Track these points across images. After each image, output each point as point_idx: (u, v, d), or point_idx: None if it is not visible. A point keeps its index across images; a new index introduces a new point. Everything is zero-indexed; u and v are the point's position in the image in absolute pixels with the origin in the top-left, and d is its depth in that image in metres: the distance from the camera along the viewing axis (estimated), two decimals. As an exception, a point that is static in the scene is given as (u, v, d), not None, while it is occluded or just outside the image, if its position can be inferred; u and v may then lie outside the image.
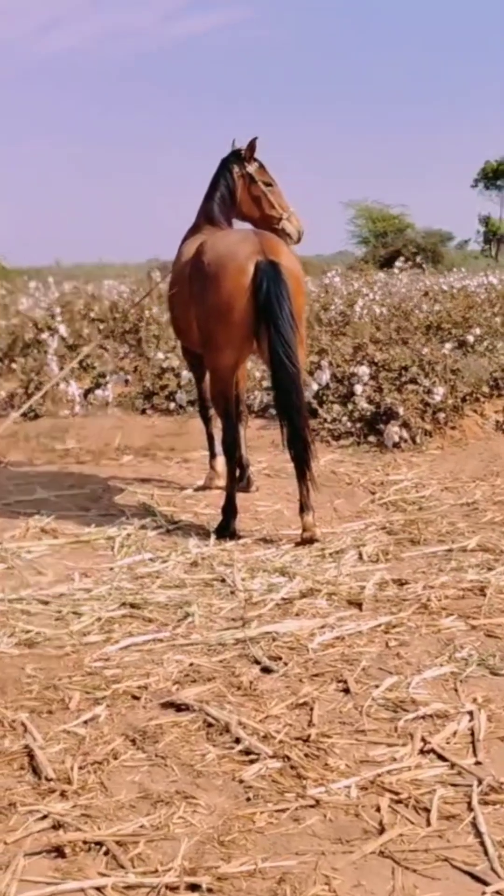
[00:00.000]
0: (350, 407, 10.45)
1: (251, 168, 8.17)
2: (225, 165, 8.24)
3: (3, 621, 5.43)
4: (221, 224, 8.05)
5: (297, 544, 6.79)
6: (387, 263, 34.96)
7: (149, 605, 5.66)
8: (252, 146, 8.16)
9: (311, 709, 4.30)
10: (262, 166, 8.24)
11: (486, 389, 10.97)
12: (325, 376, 10.91)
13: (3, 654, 5.01)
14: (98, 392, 12.20)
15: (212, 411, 8.36)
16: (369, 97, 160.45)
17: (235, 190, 8.18)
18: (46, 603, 5.72)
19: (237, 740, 4.02)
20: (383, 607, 5.53)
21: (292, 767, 3.82)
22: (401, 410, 9.92)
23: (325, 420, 10.33)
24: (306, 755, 3.91)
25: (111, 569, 6.34)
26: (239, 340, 6.90)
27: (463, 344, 13.15)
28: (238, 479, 8.13)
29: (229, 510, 7.08)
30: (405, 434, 9.81)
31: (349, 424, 10.25)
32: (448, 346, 12.56)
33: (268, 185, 8.21)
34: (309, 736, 4.04)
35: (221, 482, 8.22)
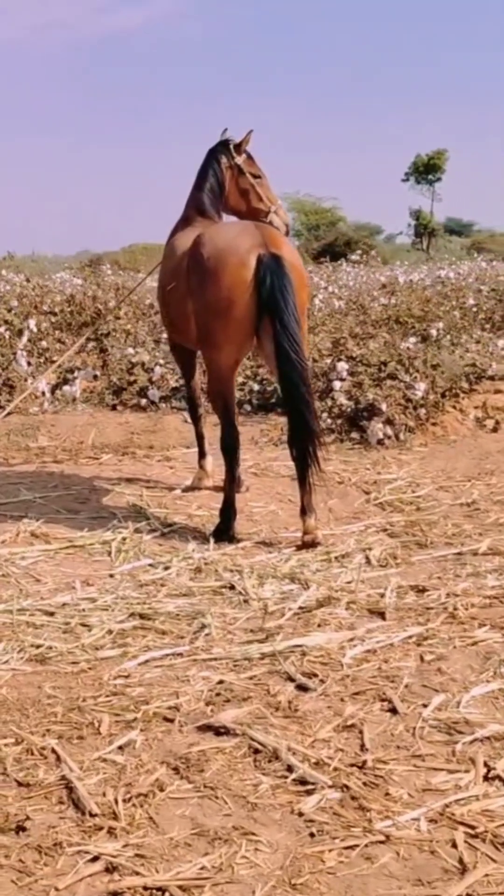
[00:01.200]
0: (329, 403, 10.22)
1: (240, 159, 7.91)
2: (213, 155, 7.96)
3: (10, 635, 5.14)
4: (213, 216, 7.79)
5: (299, 548, 6.57)
6: (319, 256, 34.82)
7: (159, 615, 5.40)
8: (247, 140, 7.91)
9: (361, 731, 4.05)
10: (250, 157, 7.99)
11: (465, 385, 10.77)
12: (303, 371, 10.66)
13: (15, 671, 4.72)
14: (66, 388, 11.88)
15: (202, 409, 8.13)
16: (301, 91, 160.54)
17: (224, 181, 7.91)
18: (51, 614, 5.44)
19: (289, 768, 3.76)
20: (408, 617, 5.30)
21: (353, 798, 3.57)
22: (384, 407, 9.71)
23: (305, 416, 10.09)
24: (365, 784, 3.67)
25: (111, 576, 6.09)
26: (240, 337, 6.65)
27: (426, 338, 12.93)
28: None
29: (228, 513, 6.84)
30: (389, 431, 9.60)
31: (329, 421, 10.02)
32: (412, 340, 12.35)
33: (256, 177, 7.96)
34: (364, 762, 3.80)
35: (210, 482, 8.00)
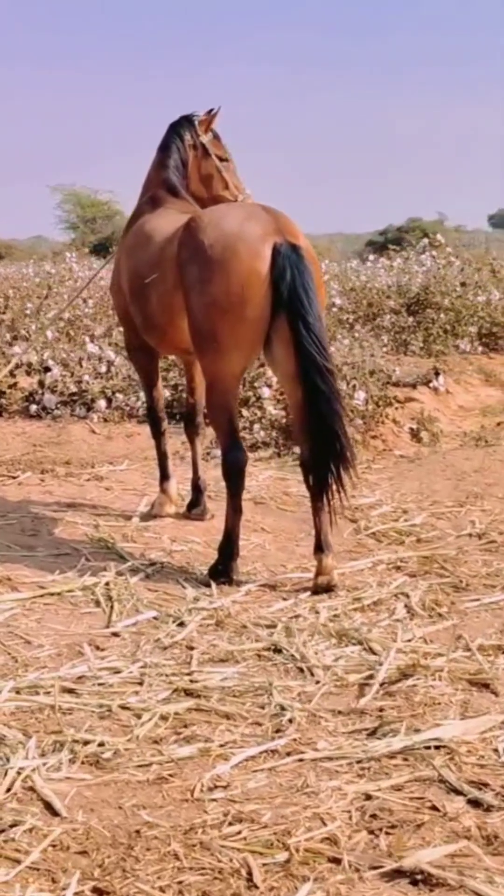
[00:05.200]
0: (259, 413, 9.19)
1: (205, 138, 6.86)
2: (175, 131, 6.88)
3: (37, 725, 3.97)
4: (186, 198, 6.70)
5: (314, 591, 5.58)
6: (98, 249, 33.62)
7: (210, 691, 4.31)
8: (213, 116, 6.87)
9: None
10: (217, 138, 6.95)
11: (398, 394, 9.92)
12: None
13: (74, 781, 3.57)
14: None
15: (164, 424, 7.03)
16: (83, 77, 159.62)
17: (187, 161, 6.84)
18: (71, 692, 4.28)
19: None
20: (525, 690, 4.34)
21: None
22: (328, 418, 8.72)
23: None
24: None
25: (115, 634, 4.95)
26: (251, 340, 5.61)
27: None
28: (192, 504, 6.91)
29: (230, 550, 5.81)
30: (338, 445, 8.62)
31: (262, 434, 9.00)
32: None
33: (223, 160, 6.92)
34: None
35: (174, 509, 6.91)
